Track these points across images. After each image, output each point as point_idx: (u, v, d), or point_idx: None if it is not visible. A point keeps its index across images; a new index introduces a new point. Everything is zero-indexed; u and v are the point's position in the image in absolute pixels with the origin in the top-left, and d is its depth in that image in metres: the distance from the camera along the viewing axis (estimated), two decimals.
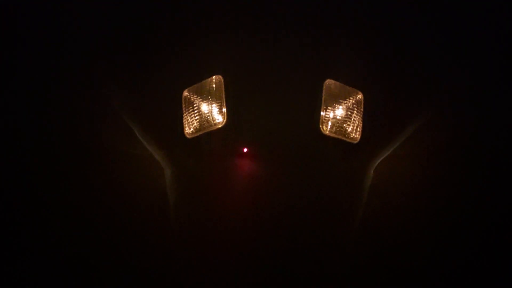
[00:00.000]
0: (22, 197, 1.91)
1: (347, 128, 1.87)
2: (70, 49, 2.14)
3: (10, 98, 2.07)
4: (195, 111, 1.89)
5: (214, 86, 1.88)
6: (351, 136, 1.88)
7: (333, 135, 1.86)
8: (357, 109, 1.88)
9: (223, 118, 1.84)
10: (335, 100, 1.87)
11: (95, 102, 2.04)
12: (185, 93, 1.93)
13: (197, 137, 1.89)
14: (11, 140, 1.99)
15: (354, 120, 1.88)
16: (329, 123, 1.86)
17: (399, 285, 1.79)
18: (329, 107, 1.86)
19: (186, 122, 1.91)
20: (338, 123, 1.87)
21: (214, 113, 1.86)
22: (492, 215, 1.88)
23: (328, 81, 1.87)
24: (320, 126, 1.85)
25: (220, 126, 1.85)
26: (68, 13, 2.20)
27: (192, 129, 1.89)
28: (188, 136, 1.90)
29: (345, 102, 1.88)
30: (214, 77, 1.89)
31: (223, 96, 1.85)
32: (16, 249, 1.84)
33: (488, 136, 2.02)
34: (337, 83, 1.89)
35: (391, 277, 1.79)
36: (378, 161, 1.96)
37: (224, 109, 1.85)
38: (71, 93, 2.08)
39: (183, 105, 1.93)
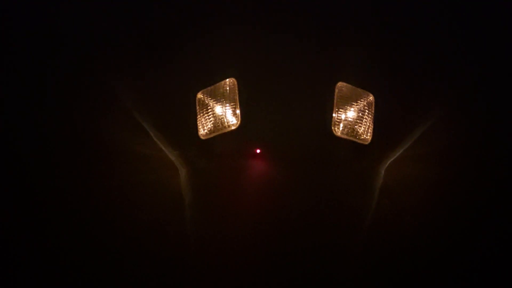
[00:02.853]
0: (39, 197, 1.95)
1: (358, 130, 1.90)
2: (88, 52, 2.18)
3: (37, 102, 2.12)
4: (209, 113, 1.92)
5: (228, 88, 1.90)
6: (363, 137, 1.90)
7: (344, 136, 1.89)
8: (369, 110, 1.91)
9: (237, 120, 1.87)
10: (347, 102, 1.89)
11: (111, 104, 2.08)
12: (199, 95, 1.96)
13: (211, 138, 1.92)
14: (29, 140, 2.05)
15: (365, 121, 1.90)
16: (341, 125, 1.89)
17: (409, 286, 1.80)
18: (341, 109, 1.89)
19: (200, 124, 1.94)
20: (349, 124, 1.89)
21: (228, 115, 1.89)
22: (503, 216, 1.89)
23: (340, 84, 1.90)
24: (332, 127, 1.87)
25: (234, 128, 1.88)
26: (86, 14, 2.24)
27: (206, 131, 1.92)
28: (202, 138, 1.93)
29: (356, 104, 1.90)
30: (227, 80, 1.91)
31: (237, 98, 1.88)
32: (32, 251, 1.88)
33: (499, 137, 2.04)
34: (349, 85, 1.91)
35: (401, 278, 1.81)
36: (389, 162, 1.98)
37: (238, 111, 1.87)
38: (87, 96, 2.12)
39: (197, 107, 1.95)
